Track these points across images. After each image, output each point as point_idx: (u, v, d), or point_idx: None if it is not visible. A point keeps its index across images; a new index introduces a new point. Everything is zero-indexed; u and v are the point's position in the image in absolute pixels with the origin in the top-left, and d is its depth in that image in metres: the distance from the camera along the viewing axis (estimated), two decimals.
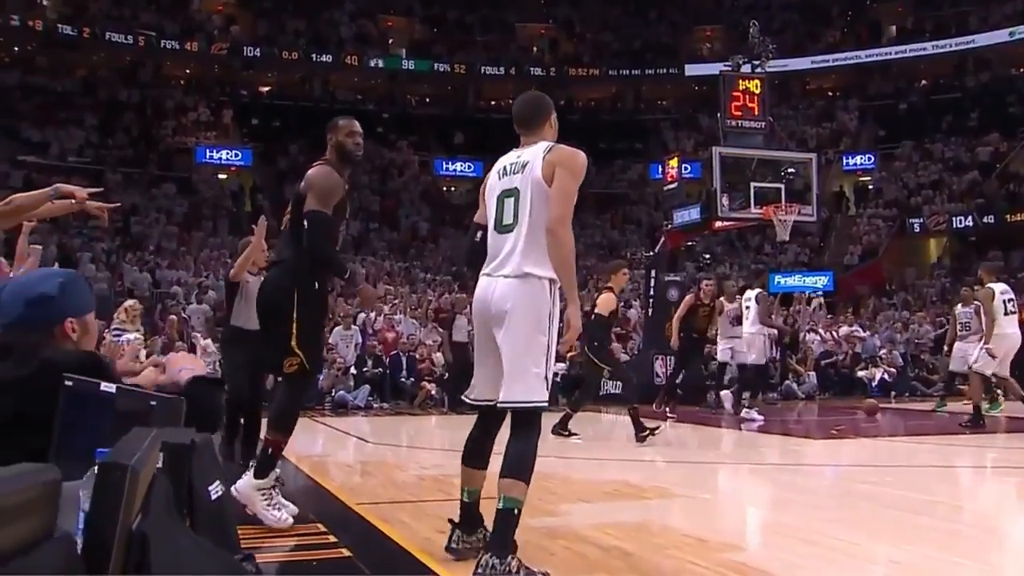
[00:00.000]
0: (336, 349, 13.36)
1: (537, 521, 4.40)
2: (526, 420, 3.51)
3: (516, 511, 3.39)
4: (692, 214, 14.80)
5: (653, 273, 15.05)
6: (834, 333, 17.40)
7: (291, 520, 4.25)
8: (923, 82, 33.82)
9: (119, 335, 7.47)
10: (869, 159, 31.33)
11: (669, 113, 35.84)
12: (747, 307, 11.59)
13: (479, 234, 3.77)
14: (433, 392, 13.81)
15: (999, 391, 11.62)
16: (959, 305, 12.15)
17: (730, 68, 14.92)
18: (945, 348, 13.27)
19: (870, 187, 30.90)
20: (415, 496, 5.63)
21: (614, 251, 27.83)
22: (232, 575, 1.93)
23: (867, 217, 29.18)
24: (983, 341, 10.06)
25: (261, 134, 31.22)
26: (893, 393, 15.54)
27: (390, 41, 35.92)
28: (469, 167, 31.70)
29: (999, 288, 9.97)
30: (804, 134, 31.27)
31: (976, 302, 10.87)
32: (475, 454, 3.77)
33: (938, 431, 9.95)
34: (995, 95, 30.37)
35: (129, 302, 8.92)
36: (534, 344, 3.46)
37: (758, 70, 14.68)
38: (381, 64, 34.27)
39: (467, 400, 3.78)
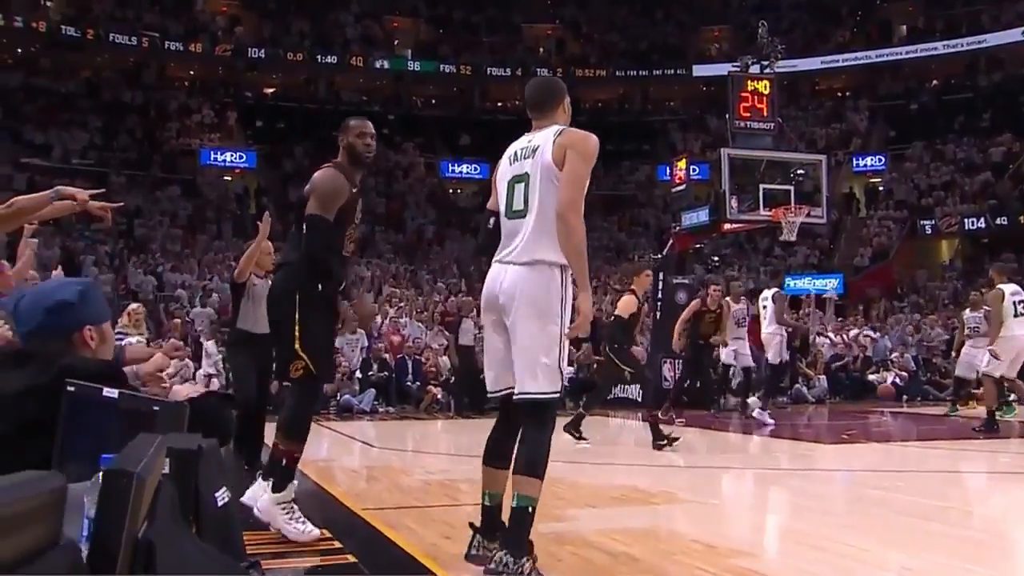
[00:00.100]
0: (341, 352, 13.38)
1: (544, 526, 4.40)
2: (539, 413, 3.46)
3: (530, 509, 3.35)
4: (700, 216, 14.77)
5: (661, 276, 15.01)
6: (844, 336, 17.35)
7: (316, 532, 4.15)
8: (934, 82, 33.73)
9: (122, 339, 7.50)
10: (880, 160, 31.26)
11: (677, 114, 35.82)
12: (763, 307, 11.62)
13: (492, 221, 3.72)
14: (439, 396, 13.80)
15: (1012, 395, 11.59)
16: (967, 310, 12.14)
17: (738, 69, 14.90)
18: (953, 354, 13.23)
19: (880, 188, 30.83)
20: (421, 501, 5.63)
21: (621, 253, 27.84)
22: None
23: (878, 219, 29.12)
24: (989, 343, 10.05)
25: (266, 136, 31.29)
26: (905, 397, 15.48)
27: (395, 42, 35.98)
28: (475, 169, 31.73)
29: (1010, 289, 9.95)
30: (814, 135, 31.22)
31: (986, 307, 10.85)
32: (497, 453, 3.65)
33: (951, 436, 9.92)
34: (1008, 95, 30.26)
35: (132, 305, 8.95)
36: (545, 334, 3.42)
37: (767, 71, 14.65)
38: (386, 65, 34.33)
39: (488, 395, 3.74)
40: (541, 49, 36.94)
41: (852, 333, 17.54)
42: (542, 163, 3.48)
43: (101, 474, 1.58)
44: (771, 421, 11.12)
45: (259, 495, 4.21)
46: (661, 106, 36.48)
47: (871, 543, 4.29)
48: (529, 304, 3.43)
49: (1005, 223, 25.95)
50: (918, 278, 26.77)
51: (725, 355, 12.22)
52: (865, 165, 31.48)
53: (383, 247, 26.40)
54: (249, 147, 30.47)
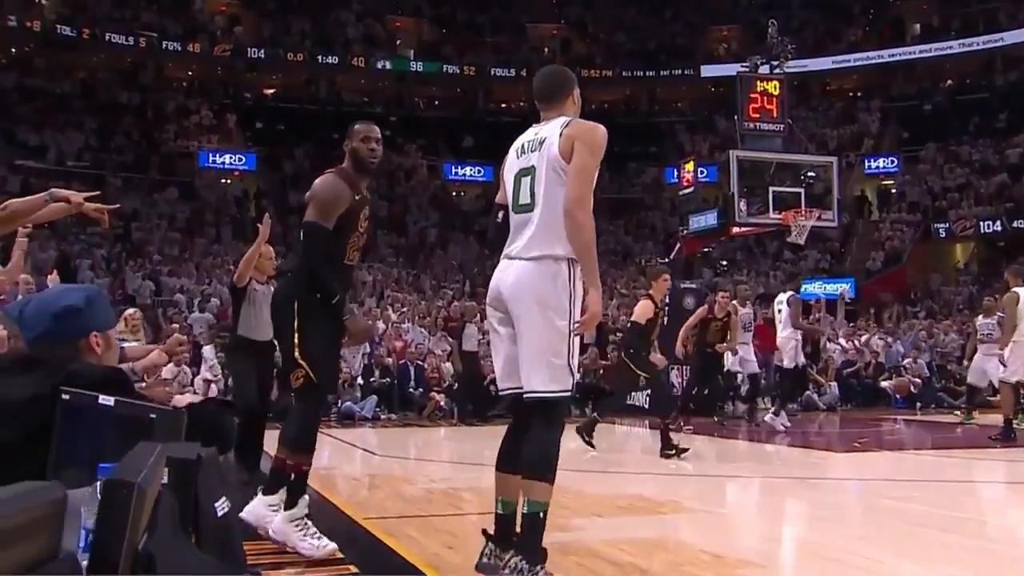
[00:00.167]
0: (343, 358, 13.38)
1: (549, 536, 4.36)
2: (547, 412, 3.43)
3: (541, 514, 3.34)
4: (709, 219, 14.80)
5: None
6: (856, 342, 17.32)
7: (332, 546, 4.10)
8: (949, 82, 33.69)
9: (119, 344, 7.51)
10: (892, 162, 31.24)
11: (685, 115, 35.84)
12: (778, 310, 11.64)
13: (500, 215, 3.70)
14: (442, 403, 13.82)
15: None
16: (980, 316, 12.12)
17: (748, 69, 14.94)
18: (964, 362, 13.22)
19: (893, 191, 30.81)
20: (423, 510, 5.63)
21: (628, 258, 27.84)
22: None
23: (890, 222, 29.09)
24: (1000, 347, 10.04)
25: (265, 138, 31.36)
26: (919, 405, 15.44)
27: (398, 42, 36.06)
28: (479, 171, 31.77)
29: None
30: (824, 136, 31.21)
31: (999, 313, 10.83)
32: (510, 458, 3.58)
33: (966, 444, 9.89)
34: None
35: (129, 310, 8.97)
36: (553, 330, 3.39)
37: (777, 71, 14.68)
38: (388, 66, 34.40)
39: (499, 394, 3.71)
40: (546, 49, 36.98)
41: (864, 338, 17.51)
42: (549, 155, 3.45)
43: (101, 484, 1.59)
44: (784, 427, 11.11)
45: (259, 511, 4.19)
46: (668, 107, 36.51)
47: (885, 555, 4.27)
48: (535, 300, 3.41)
49: (1022, 226, 25.90)
50: (932, 282, 26.73)
51: (730, 361, 12.23)
52: (877, 167, 31.46)
53: (385, 251, 26.44)
54: (248, 149, 30.53)
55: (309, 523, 4.14)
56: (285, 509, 4.14)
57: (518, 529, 3.50)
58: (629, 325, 8.65)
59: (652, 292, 8.88)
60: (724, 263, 24.69)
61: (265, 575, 2.77)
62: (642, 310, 8.72)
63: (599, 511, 5.54)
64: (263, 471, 6.15)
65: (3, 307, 5.30)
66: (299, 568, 3.93)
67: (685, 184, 16.06)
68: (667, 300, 14.76)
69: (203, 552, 1.87)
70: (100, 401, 2.04)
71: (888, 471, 8.21)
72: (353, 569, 3.91)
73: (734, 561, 4.11)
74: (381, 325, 15.24)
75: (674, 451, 8.26)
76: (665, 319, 14.85)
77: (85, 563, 1.56)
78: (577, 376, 3.50)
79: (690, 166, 16.28)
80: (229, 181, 29.82)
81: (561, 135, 3.44)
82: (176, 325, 14.32)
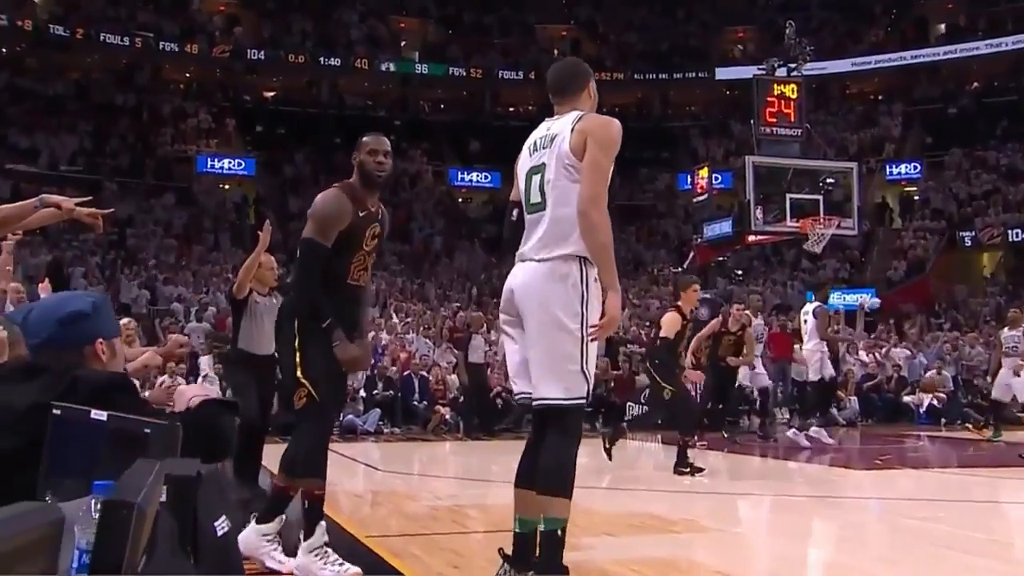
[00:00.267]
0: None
1: None
2: (562, 421, 3.39)
3: (559, 532, 3.29)
4: (723, 227, 14.81)
5: None
6: (876, 354, 17.26)
7: (356, 571, 4.06)
8: (975, 84, 33.59)
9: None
10: (915, 168, 31.18)
11: (699, 120, 35.85)
12: (804, 321, 11.63)
13: (515, 213, 3.67)
14: (447, 416, 13.82)
15: None
16: (1005, 328, 12.09)
17: (764, 71, 14.97)
18: (988, 378, 13.18)
19: (916, 198, 30.73)
20: (427, 528, 5.63)
21: (640, 267, 27.83)
22: None
23: (913, 230, 29.02)
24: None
25: (265, 142, 31.47)
26: (943, 421, 15.35)
27: (402, 43, 36.18)
28: (486, 177, 31.83)
29: None
30: (844, 141, 31.17)
31: None
32: (529, 473, 3.49)
33: (994, 463, 9.84)
34: None
35: (124, 320, 8.97)
36: (566, 334, 3.34)
37: (794, 73, 14.70)
38: (393, 68, 34.51)
39: (515, 401, 3.68)
40: (555, 51, 36.97)
41: (884, 350, 17.45)
42: (559, 152, 3.43)
43: (100, 504, 1.59)
44: (807, 443, 11.08)
45: (252, 540, 4.14)
46: (682, 111, 36.52)
47: None
48: (546, 303, 3.37)
49: None
50: (957, 293, 26.62)
51: (741, 375, 12.21)
52: (899, 173, 31.40)
53: (389, 259, 26.46)
54: (248, 153, 30.65)
55: (329, 550, 4.09)
56: (304, 539, 4.08)
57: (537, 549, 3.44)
58: (658, 341, 8.53)
59: (680, 303, 8.75)
60: (739, 272, 24.71)
61: None
62: (670, 323, 8.58)
63: (610, 529, 5.53)
64: (262, 487, 6.16)
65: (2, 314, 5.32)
66: None
67: (699, 191, 16.08)
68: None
69: (202, 572, 1.87)
70: (93, 416, 2.05)
71: (911, 490, 8.17)
72: None
73: None
74: (385, 336, 15.26)
75: (688, 469, 8.24)
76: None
77: None
78: (592, 383, 3.44)
79: (704, 172, 16.31)
80: (228, 187, 29.91)
81: (573, 130, 3.41)
82: (173, 335, 14.33)
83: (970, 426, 13.33)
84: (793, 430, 11.36)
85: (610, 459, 8.69)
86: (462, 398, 13.95)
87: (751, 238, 15.19)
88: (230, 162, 29.88)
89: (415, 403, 13.95)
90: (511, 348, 3.61)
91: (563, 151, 3.41)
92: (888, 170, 31.31)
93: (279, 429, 8.65)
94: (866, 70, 34.01)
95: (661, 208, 31.91)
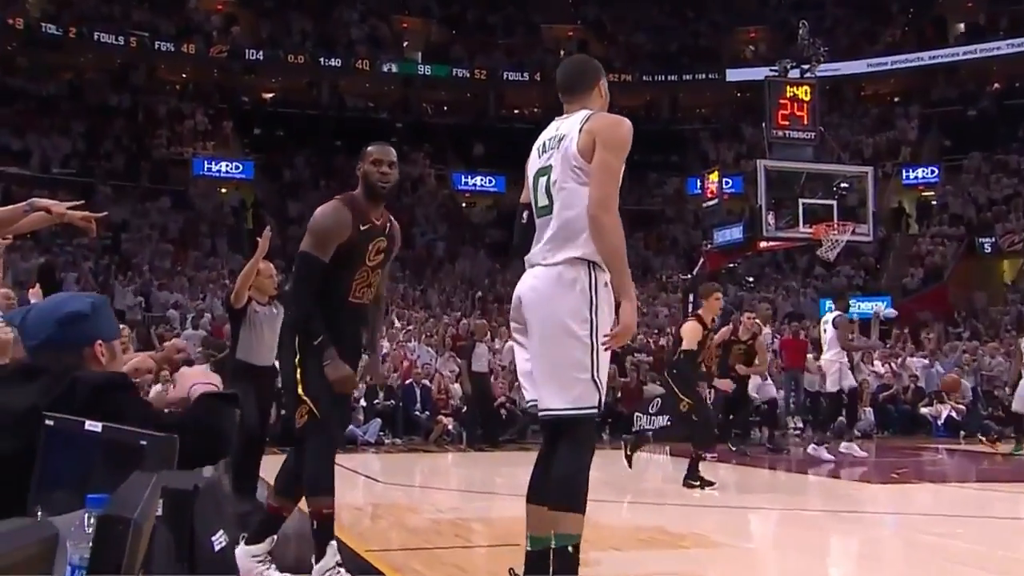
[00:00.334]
0: None
1: None
2: (573, 432, 3.34)
3: (571, 548, 3.25)
4: (734, 233, 14.81)
5: (691, 298, 15.04)
6: (892, 364, 17.23)
7: None
8: (995, 85, 33.53)
9: None
10: (933, 172, 31.15)
11: (709, 122, 35.86)
12: (824, 330, 11.64)
13: (525, 215, 3.65)
14: (450, 427, 13.84)
15: None
16: None
17: (776, 73, 14.97)
18: (1007, 389, 13.15)
19: (934, 203, 30.71)
20: (429, 542, 5.63)
21: (648, 273, 27.82)
22: None
23: (930, 236, 28.98)
24: None
25: (264, 144, 31.54)
26: (963, 433, 15.29)
27: (405, 44, 36.26)
28: (490, 181, 31.86)
29: None
30: (859, 145, 31.15)
31: None
32: (541, 488, 3.43)
33: (1015, 477, 9.81)
34: None
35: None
36: (573, 341, 3.30)
37: (808, 75, 14.71)
38: (395, 69, 34.58)
39: (526, 410, 3.69)
40: (562, 51, 37.01)
41: (901, 360, 17.41)
42: (567, 153, 3.40)
43: (96, 520, 1.59)
44: (830, 457, 11.07)
45: (242, 563, 4.10)
46: (691, 114, 36.54)
47: None
48: (554, 309, 3.34)
49: None
50: (976, 301, 26.56)
51: (748, 386, 12.20)
52: (916, 177, 31.37)
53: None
54: (246, 156, 30.71)
55: (342, 570, 4.07)
56: (315, 561, 4.05)
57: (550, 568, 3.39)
58: (684, 353, 8.46)
59: (701, 312, 8.70)
60: (750, 280, 24.69)
61: None
62: (691, 333, 8.50)
63: (617, 544, 5.52)
64: (260, 499, 6.16)
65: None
66: None
67: (709, 195, 16.09)
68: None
69: None
70: (87, 427, 2.05)
71: (929, 505, 8.16)
72: None
73: None
74: (386, 343, 15.26)
75: (699, 482, 8.23)
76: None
77: None
78: (604, 392, 3.38)
79: (714, 176, 16.32)
80: (225, 190, 29.97)
81: (581, 131, 3.38)
82: (170, 342, 14.36)
83: (984, 439, 13.29)
84: (813, 445, 11.33)
85: (630, 466, 8.71)
86: (465, 408, 13.95)
87: (762, 244, 15.19)
88: (227, 165, 29.93)
89: (417, 413, 13.96)
90: (521, 356, 3.58)
91: (571, 152, 3.38)
92: (905, 174, 31.28)
93: (276, 439, 8.67)
94: (882, 71, 33.98)
95: (670, 213, 31.91)
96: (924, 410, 16.12)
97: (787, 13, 33.03)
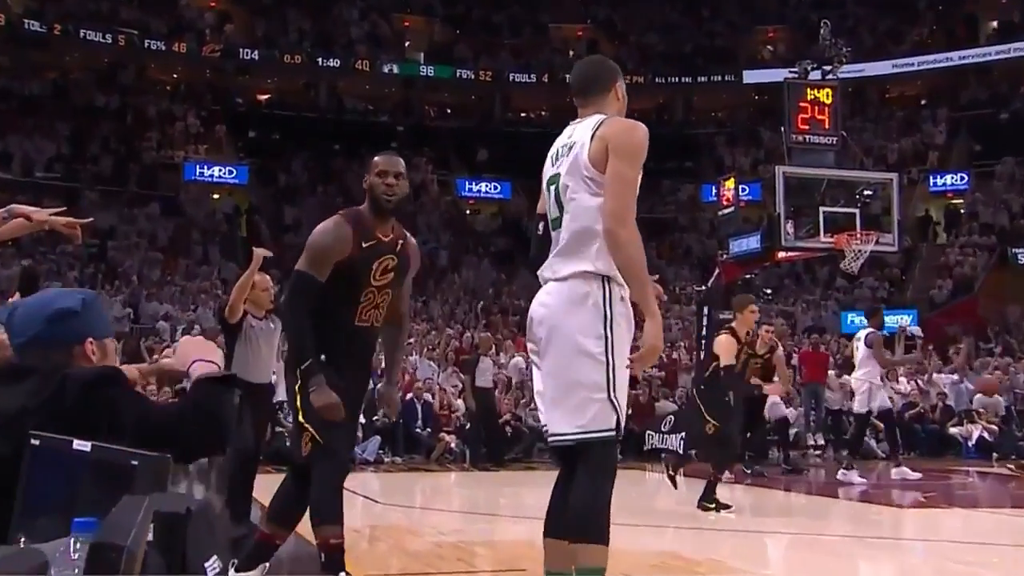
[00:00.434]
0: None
1: None
2: (589, 457, 3.25)
3: None
4: (751, 243, 14.80)
5: (706, 310, 15.05)
6: (919, 381, 17.16)
7: None
8: None
9: None
10: (962, 178, 31.10)
11: (725, 126, 35.90)
12: (856, 348, 11.64)
13: (540, 226, 3.58)
14: (452, 445, 13.84)
15: None
16: None
17: (796, 74, 14.97)
18: None
19: (963, 211, 30.64)
20: (431, 567, 5.63)
21: (660, 284, 27.77)
22: None
23: (959, 246, 28.91)
24: None
25: (258, 148, 31.63)
26: (995, 455, 15.22)
27: (406, 43, 36.37)
28: (495, 188, 31.91)
29: None
30: (884, 150, 31.17)
31: None
32: (560, 520, 3.36)
33: None
34: None
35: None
36: (586, 359, 3.23)
37: (829, 76, 14.71)
38: (396, 70, 34.66)
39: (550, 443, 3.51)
40: (571, 52, 37.14)
41: (928, 376, 17.34)
42: (578, 162, 3.34)
43: (82, 545, 1.59)
44: (861, 480, 11.05)
45: None
46: (707, 117, 36.57)
47: None
48: (564, 326, 3.28)
49: None
50: (1010, 315, 26.44)
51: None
52: (944, 184, 31.32)
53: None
54: (240, 160, 30.78)
55: None
56: None
57: None
58: (723, 368, 8.27)
59: (735, 325, 8.62)
60: (768, 291, 24.63)
61: None
62: (728, 347, 8.37)
63: (628, 570, 5.51)
64: (253, 521, 6.17)
65: None
66: None
67: (725, 203, 16.07)
68: (704, 332, 14.85)
69: None
70: (75, 447, 2.05)
71: (959, 531, 8.13)
72: None
73: None
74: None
75: (715, 504, 8.22)
76: (701, 353, 14.92)
77: None
78: (623, 413, 3.29)
79: (730, 183, 16.30)
80: (218, 196, 30.05)
81: (593, 137, 3.32)
82: (157, 357, 14.39)
83: (1011, 466, 13.23)
84: (842, 471, 11.29)
85: (675, 487, 8.69)
86: (468, 425, 13.95)
87: (781, 254, 15.17)
88: (220, 170, 29.98)
89: (418, 430, 13.95)
90: (538, 378, 3.49)
91: (582, 161, 3.33)
92: (932, 181, 31.23)
93: (269, 457, 8.69)
94: (908, 72, 33.92)
95: (683, 221, 31.91)
96: (953, 430, 16.02)
97: (807, 11, 33.07)
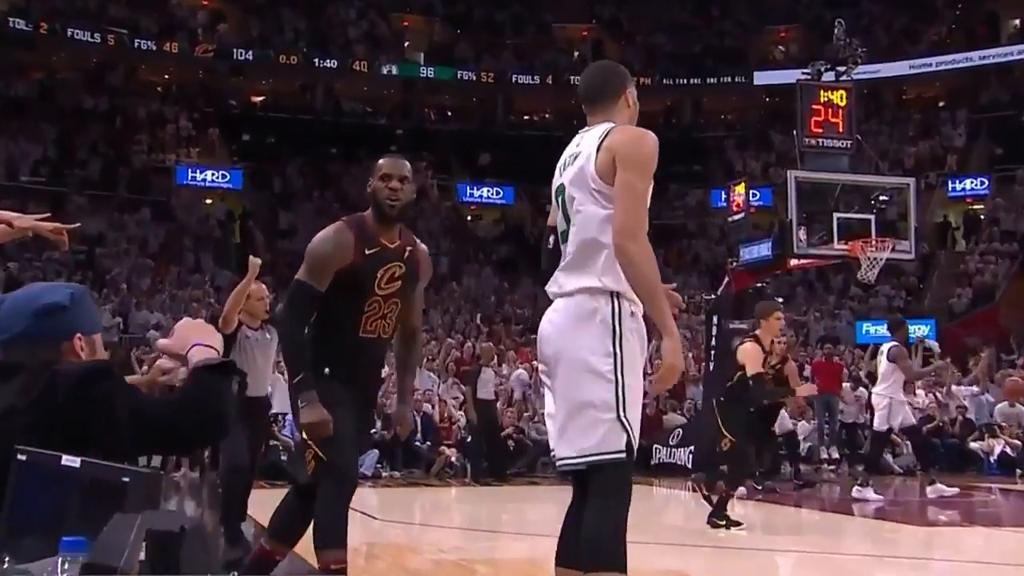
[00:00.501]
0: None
1: None
2: (599, 481, 3.19)
3: None
4: (762, 250, 14.79)
5: (715, 319, 15.05)
6: (937, 393, 17.12)
7: None
8: None
9: None
10: (982, 183, 31.08)
11: (735, 129, 35.89)
12: (879, 362, 11.64)
13: (552, 239, 3.56)
14: (453, 459, 13.85)
15: None
16: None
17: (809, 76, 14.96)
18: None
19: (983, 217, 30.61)
20: None
21: (675, 293, 27.79)
22: None
23: (979, 253, 28.88)
24: None
25: (253, 152, 31.65)
26: (1019, 471, 15.18)
27: (406, 43, 36.41)
28: (497, 193, 31.90)
29: None
30: (900, 153, 31.13)
31: None
32: (572, 549, 3.30)
33: None
34: None
35: None
36: (594, 377, 3.18)
37: (843, 77, 14.70)
38: (395, 70, 34.69)
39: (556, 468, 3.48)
40: (575, 53, 37.22)
41: (947, 388, 17.29)
42: (584, 172, 3.31)
43: (71, 565, 1.59)
44: (877, 496, 11.05)
45: None
46: (716, 120, 36.57)
47: None
48: (571, 344, 3.24)
49: None
50: None
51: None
52: (964, 189, 31.31)
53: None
54: (233, 164, 30.80)
55: None
56: None
57: None
58: (751, 378, 8.15)
59: (759, 333, 8.54)
60: (780, 300, 24.55)
61: None
62: (754, 355, 8.26)
63: None
64: (247, 538, 6.18)
65: None
66: None
67: (735, 209, 16.05)
68: (713, 342, 14.83)
69: None
70: (63, 462, 2.04)
71: (981, 551, 8.11)
72: None
73: None
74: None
75: (725, 522, 8.21)
76: (711, 364, 14.93)
77: None
78: (635, 433, 3.22)
79: (741, 188, 16.29)
80: (210, 201, 30.04)
81: (599, 147, 3.29)
82: (148, 367, 14.40)
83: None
84: (857, 487, 11.27)
85: (711, 506, 8.67)
86: (470, 438, 13.95)
87: (793, 262, 15.15)
88: (213, 174, 29.98)
89: (417, 444, 13.96)
90: (549, 399, 3.45)
91: (588, 172, 3.30)
92: (950, 186, 31.20)
93: (263, 472, 8.69)
94: (926, 73, 33.85)
95: (692, 227, 31.91)
96: (974, 445, 15.95)
97: (821, 10, 33.06)
